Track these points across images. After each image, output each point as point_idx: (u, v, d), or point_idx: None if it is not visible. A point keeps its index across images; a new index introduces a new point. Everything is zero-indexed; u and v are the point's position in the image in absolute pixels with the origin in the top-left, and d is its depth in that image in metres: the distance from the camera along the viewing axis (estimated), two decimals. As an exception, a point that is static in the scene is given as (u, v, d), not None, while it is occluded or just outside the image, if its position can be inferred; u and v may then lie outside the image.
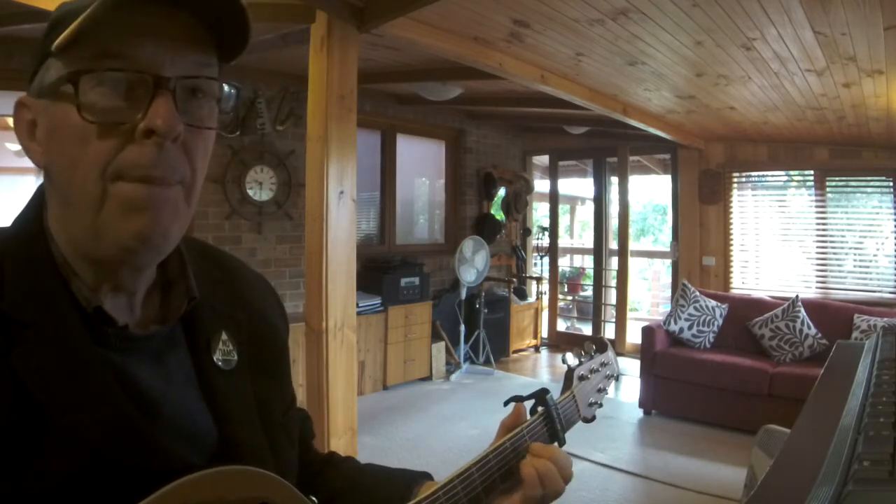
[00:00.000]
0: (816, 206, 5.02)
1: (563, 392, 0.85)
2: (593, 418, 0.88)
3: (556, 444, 0.76)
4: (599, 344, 0.94)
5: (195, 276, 0.61)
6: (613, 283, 6.39)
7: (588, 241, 7.51)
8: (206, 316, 0.61)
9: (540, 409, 0.78)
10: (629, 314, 6.22)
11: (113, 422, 0.49)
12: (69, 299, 0.51)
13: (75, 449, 0.47)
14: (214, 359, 0.60)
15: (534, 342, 6.36)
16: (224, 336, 0.62)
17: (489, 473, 0.67)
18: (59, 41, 0.48)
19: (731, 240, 5.41)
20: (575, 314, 7.75)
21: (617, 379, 0.95)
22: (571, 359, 0.88)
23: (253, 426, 0.60)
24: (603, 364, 0.92)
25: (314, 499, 0.57)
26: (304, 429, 0.75)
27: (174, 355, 0.58)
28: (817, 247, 5.03)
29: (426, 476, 0.72)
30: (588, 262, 7.96)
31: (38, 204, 0.56)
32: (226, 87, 0.55)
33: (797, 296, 4.21)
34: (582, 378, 0.87)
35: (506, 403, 0.79)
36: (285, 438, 0.65)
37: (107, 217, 0.50)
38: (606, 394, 0.92)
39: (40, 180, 0.58)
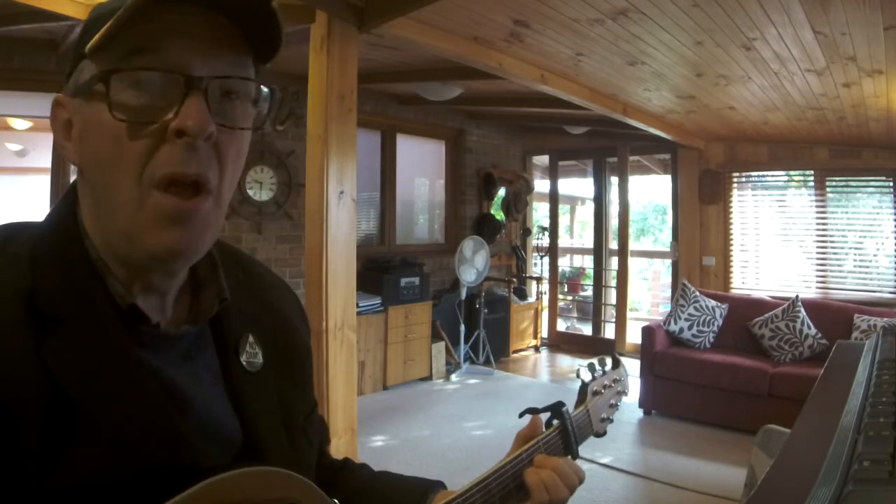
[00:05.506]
0: (816, 206, 5.02)
1: (577, 406, 0.86)
2: (605, 433, 0.90)
3: (568, 456, 0.77)
4: (614, 360, 0.96)
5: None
6: (613, 283, 6.39)
7: (588, 241, 7.50)
8: (233, 318, 0.61)
9: (556, 421, 0.79)
10: (629, 314, 6.22)
11: (147, 418, 0.48)
12: (105, 296, 0.51)
13: (106, 444, 0.46)
14: (241, 360, 0.60)
15: (534, 342, 6.36)
16: (251, 339, 0.62)
17: (505, 483, 0.68)
18: (91, 43, 0.48)
19: (731, 240, 5.41)
20: (575, 314, 7.75)
21: (626, 395, 0.97)
22: (585, 374, 0.90)
23: (277, 428, 0.60)
24: (615, 381, 0.94)
25: (336, 501, 0.57)
26: (321, 435, 0.75)
27: (203, 355, 0.58)
28: (817, 247, 5.03)
29: (440, 485, 0.73)
30: (588, 262, 7.95)
31: (71, 200, 0.55)
32: (263, 88, 0.54)
33: (797, 296, 4.21)
34: (595, 393, 0.89)
35: (521, 415, 0.80)
36: (306, 442, 0.65)
37: (141, 225, 0.49)
38: (617, 410, 0.94)
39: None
